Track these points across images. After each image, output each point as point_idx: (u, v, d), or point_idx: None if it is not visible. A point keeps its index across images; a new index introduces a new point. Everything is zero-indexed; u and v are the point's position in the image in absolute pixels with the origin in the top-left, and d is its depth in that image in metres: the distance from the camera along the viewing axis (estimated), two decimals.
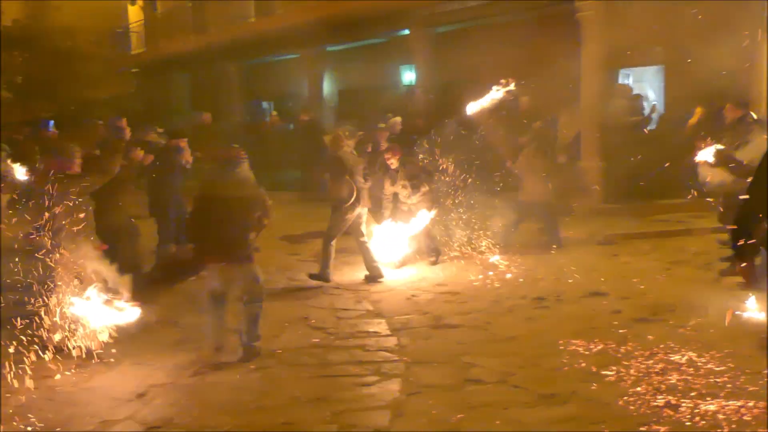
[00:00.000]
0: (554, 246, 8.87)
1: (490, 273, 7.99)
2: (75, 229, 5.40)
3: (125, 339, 5.52)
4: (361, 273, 8.09)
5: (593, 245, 9.21)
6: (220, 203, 5.51)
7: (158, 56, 21.90)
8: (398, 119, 11.54)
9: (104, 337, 5.40)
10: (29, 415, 4.56)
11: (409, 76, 16.81)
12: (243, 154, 5.76)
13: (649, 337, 5.59)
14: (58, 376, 5.18)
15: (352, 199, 7.74)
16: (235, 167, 5.66)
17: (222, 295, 5.68)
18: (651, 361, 5.07)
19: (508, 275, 7.91)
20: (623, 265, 8.20)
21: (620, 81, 12.97)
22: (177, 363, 5.49)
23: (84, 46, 20.69)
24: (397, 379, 5.04)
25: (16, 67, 20.46)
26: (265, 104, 22.23)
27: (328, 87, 18.12)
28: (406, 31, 14.68)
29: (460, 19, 13.66)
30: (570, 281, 7.47)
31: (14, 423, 4.48)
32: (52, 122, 11.62)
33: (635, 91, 12.04)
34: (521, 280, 7.70)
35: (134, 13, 24.02)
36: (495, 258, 8.59)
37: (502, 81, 8.58)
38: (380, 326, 6.32)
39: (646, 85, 13.61)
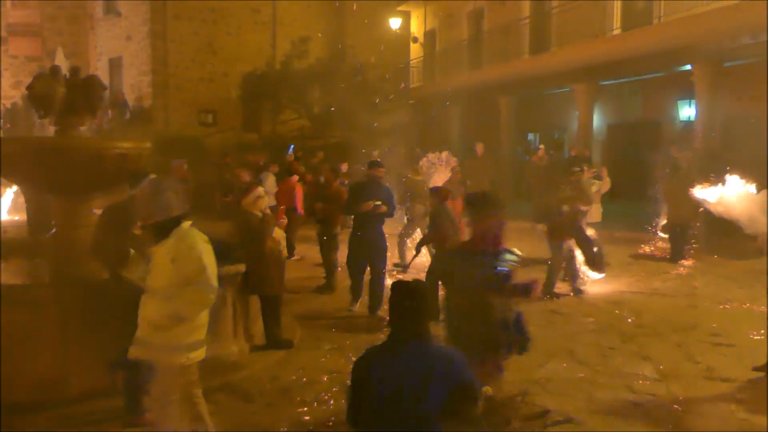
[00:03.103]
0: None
1: None
2: None
3: None
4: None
5: None
6: None
7: (434, 90, 23.54)
8: None
9: None
10: None
11: (687, 112, 16.04)
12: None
13: None
14: None
15: None
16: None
17: None
18: None
19: None
20: None
21: None
22: None
23: (372, 80, 23.11)
24: (667, 426, 5.09)
25: (315, 99, 23.52)
26: (530, 135, 22.70)
27: (598, 120, 17.98)
28: (688, 66, 14.09)
29: (751, 55, 12.76)
30: None
31: None
32: (292, 146, 13.81)
33: None
34: None
35: (415, 50, 26.08)
36: None
37: None
38: (647, 369, 6.33)
39: None
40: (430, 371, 2.96)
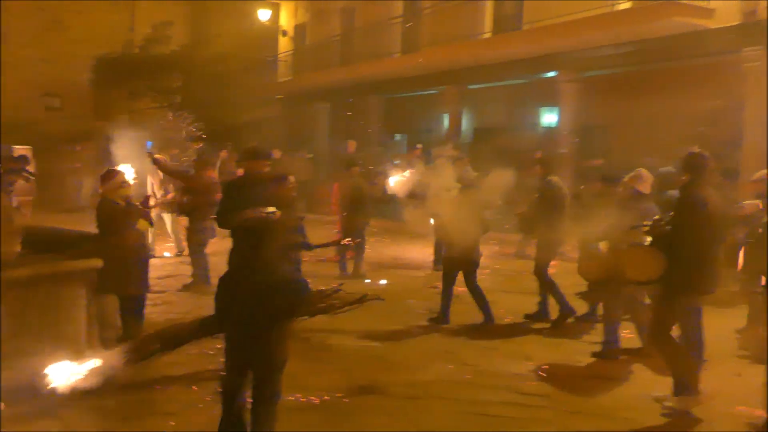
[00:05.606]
0: None
1: None
2: None
3: None
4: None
5: None
6: None
7: (303, 85, 23.03)
8: None
9: None
10: None
11: (549, 118, 16.72)
12: None
13: None
14: None
15: None
16: None
17: None
18: None
19: None
20: None
21: None
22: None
23: (235, 72, 22.18)
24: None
25: (176, 88, 22.24)
26: (398, 136, 22.79)
27: (465, 123, 18.34)
28: (552, 73, 14.67)
29: (611, 65, 13.48)
30: None
31: None
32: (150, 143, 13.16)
33: None
34: None
35: (284, 44, 25.45)
36: None
37: None
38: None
39: None
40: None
